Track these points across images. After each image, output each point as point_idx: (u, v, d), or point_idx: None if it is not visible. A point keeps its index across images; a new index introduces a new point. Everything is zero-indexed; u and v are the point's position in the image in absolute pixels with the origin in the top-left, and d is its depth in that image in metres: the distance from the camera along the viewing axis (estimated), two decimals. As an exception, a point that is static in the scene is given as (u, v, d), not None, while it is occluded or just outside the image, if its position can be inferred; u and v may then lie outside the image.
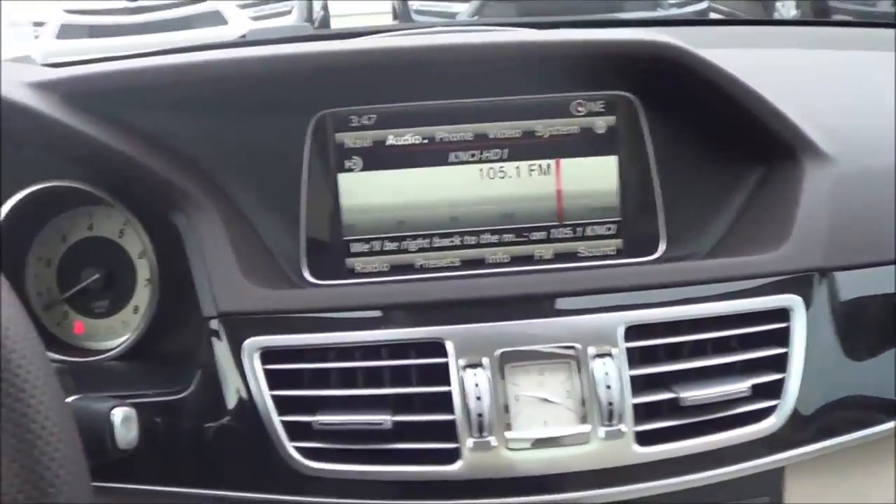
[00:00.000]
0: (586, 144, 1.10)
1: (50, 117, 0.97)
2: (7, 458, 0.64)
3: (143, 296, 1.12)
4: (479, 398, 0.93)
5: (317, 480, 0.94)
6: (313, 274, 1.07)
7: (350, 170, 1.08)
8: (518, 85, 1.09)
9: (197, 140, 1.05)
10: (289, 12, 7.45)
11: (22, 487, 0.64)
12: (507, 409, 0.94)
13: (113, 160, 1.01)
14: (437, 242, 1.09)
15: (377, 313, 0.98)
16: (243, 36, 1.15)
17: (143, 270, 1.12)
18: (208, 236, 1.00)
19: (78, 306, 1.13)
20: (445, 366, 0.94)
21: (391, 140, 1.08)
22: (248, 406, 0.95)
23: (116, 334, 1.13)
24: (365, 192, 1.08)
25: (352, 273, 1.08)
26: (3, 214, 1.06)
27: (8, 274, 0.69)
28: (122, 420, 0.88)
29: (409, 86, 1.07)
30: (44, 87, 0.99)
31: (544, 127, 1.09)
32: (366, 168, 1.08)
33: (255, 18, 7.22)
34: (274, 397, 0.94)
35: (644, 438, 0.94)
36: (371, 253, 1.08)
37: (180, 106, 1.04)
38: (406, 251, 1.08)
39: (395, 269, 1.09)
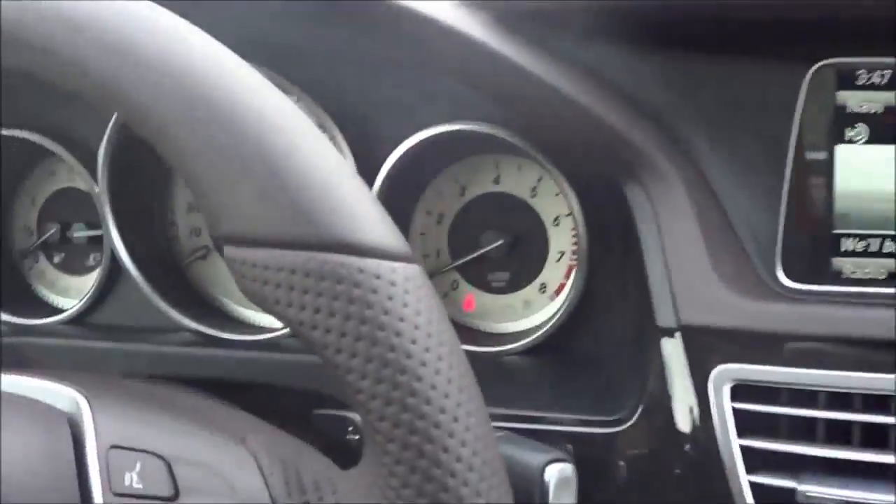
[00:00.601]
0: None
1: (477, 41, 0.77)
2: None
3: (553, 272, 0.91)
4: None
5: None
6: (788, 273, 0.81)
7: (851, 141, 0.80)
8: None
9: (657, 88, 0.80)
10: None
11: None
12: None
13: (547, 101, 0.79)
14: (955, 246, 0.80)
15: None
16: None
17: (558, 240, 0.91)
18: (672, 218, 0.76)
19: (470, 276, 0.94)
20: None
21: (910, 105, 0.79)
22: (706, 454, 0.72)
23: (514, 316, 0.93)
24: (867, 171, 0.80)
25: (838, 278, 0.81)
26: (394, 159, 0.88)
27: None
28: (559, 482, 0.66)
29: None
30: (472, 3, 0.78)
31: None
32: (871, 140, 0.80)
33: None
34: (743, 448, 0.71)
35: None
36: (866, 254, 0.81)
37: (641, 42, 0.79)
38: (913, 254, 0.81)
39: (893, 276, 0.81)
